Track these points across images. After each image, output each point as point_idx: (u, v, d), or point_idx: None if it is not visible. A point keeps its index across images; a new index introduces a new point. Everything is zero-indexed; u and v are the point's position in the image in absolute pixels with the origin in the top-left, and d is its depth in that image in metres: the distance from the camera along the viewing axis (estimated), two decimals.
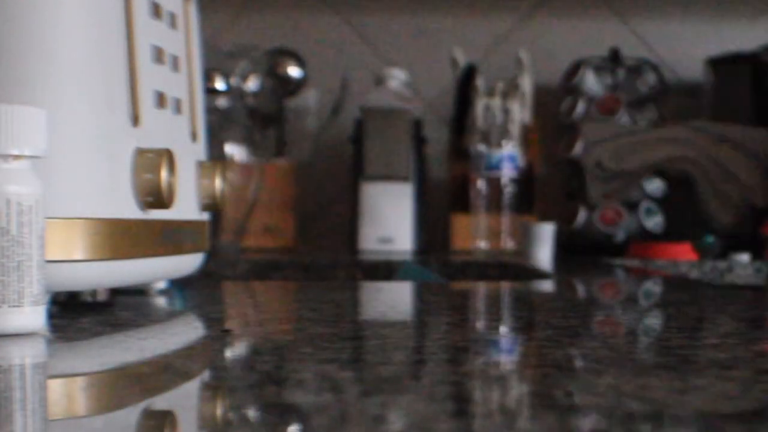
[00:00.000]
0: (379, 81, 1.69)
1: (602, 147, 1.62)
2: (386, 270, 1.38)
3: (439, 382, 0.42)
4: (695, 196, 1.71)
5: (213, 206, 0.77)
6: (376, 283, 1.33)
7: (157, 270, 0.70)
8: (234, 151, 1.62)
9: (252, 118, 1.62)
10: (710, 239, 1.50)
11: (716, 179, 1.60)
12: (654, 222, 1.62)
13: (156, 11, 0.70)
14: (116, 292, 0.71)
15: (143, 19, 0.68)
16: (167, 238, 0.69)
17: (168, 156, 0.65)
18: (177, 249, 0.71)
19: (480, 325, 0.64)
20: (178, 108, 0.73)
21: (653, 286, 0.94)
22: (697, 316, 0.69)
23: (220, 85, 1.59)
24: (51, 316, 0.56)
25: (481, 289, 0.95)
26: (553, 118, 1.73)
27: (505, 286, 0.97)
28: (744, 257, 1.44)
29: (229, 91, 1.60)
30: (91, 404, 0.38)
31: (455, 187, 1.69)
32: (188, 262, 0.75)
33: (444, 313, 0.72)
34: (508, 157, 1.61)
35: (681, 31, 1.86)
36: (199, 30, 0.80)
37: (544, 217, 1.58)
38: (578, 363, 0.47)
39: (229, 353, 0.50)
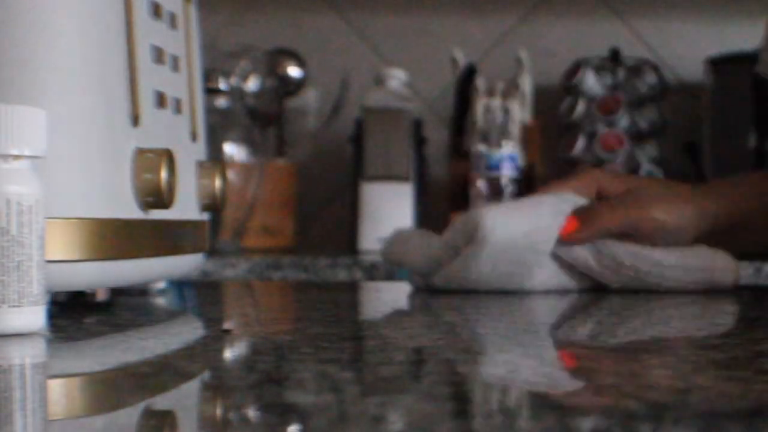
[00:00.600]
0: (379, 81, 1.69)
1: None
2: (386, 270, 1.38)
3: (439, 382, 0.42)
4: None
5: (213, 206, 0.77)
6: (376, 283, 1.33)
7: (157, 270, 0.70)
8: (234, 151, 1.62)
9: (252, 118, 1.62)
10: None
11: None
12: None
13: (156, 11, 0.70)
14: (116, 292, 0.71)
15: (143, 19, 0.68)
16: (167, 238, 0.69)
17: (168, 156, 0.65)
18: (177, 249, 0.71)
19: (480, 325, 0.64)
20: (178, 108, 0.73)
21: None
22: (697, 314, 0.69)
23: (220, 85, 1.59)
24: (51, 316, 0.56)
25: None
26: (553, 118, 1.73)
27: None
28: None
29: (229, 91, 1.60)
30: (91, 404, 0.38)
31: (455, 187, 1.69)
32: (188, 262, 0.75)
33: (444, 313, 0.72)
34: (508, 157, 1.61)
35: (681, 31, 1.86)
36: (199, 30, 0.80)
37: None
38: (578, 363, 0.47)
39: (229, 353, 0.50)
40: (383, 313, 0.76)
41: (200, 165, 0.76)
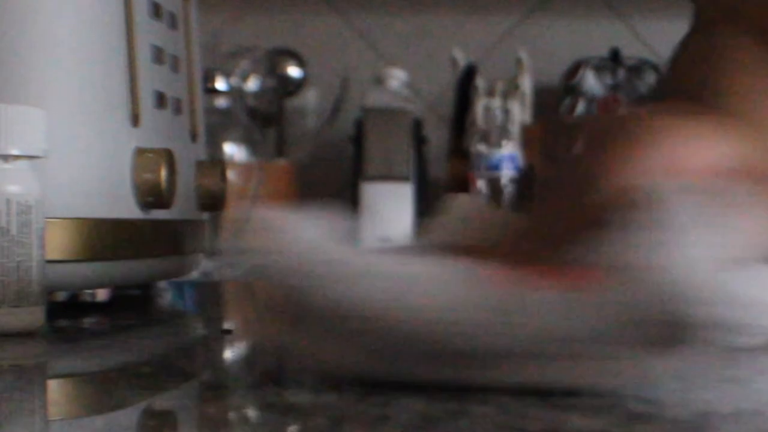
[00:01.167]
0: (379, 81, 1.69)
1: None
2: None
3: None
4: None
5: (213, 206, 0.77)
6: None
7: (157, 270, 0.70)
8: (234, 151, 1.62)
9: (252, 118, 1.62)
10: None
11: None
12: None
13: (156, 11, 0.70)
14: (116, 292, 0.71)
15: (143, 19, 0.68)
16: (167, 238, 0.69)
17: (168, 156, 0.65)
18: (177, 249, 0.71)
19: None
20: (178, 108, 0.73)
21: None
22: None
23: (220, 85, 1.59)
24: (51, 316, 0.56)
25: None
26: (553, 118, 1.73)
27: None
28: None
29: (229, 91, 1.60)
30: (91, 404, 0.38)
31: (455, 187, 1.69)
32: (188, 262, 0.75)
33: None
34: (508, 157, 1.61)
35: (681, 31, 1.86)
36: (199, 30, 0.80)
37: None
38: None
39: (229, 353, 0.50)
40: None
41: (200, 165, 0.76)
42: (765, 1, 0.55)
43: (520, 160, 1.62)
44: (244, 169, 1.60)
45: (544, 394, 0.36)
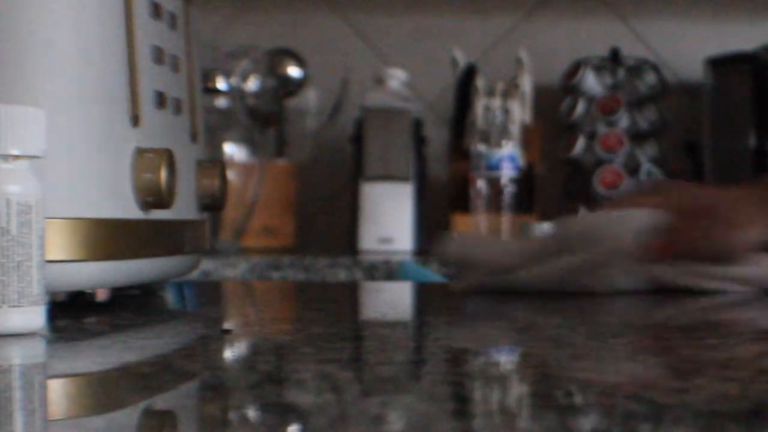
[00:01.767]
0: (379, 81, 1.69)
1: None
2: (386, 270, 1.38)
3: (439, 382, 0.42)
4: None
5: (213, 206, 0.77)
6: (376, 283, 1.33)
7: (157, 270, 0.70)
8: (234, 151, 1.62)
9: (252, 118, 1.62)
10: None
11: None
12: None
13: (156, 11, 0.70)
14: (116, 292, 0.71)
15: (143, 19, 0.68)
16: (167, 238, 0.69)
17: (168, 156, 0.65)
18: (177, 249, 0.71)
19: (480, 325, 0.64)
20: (178, 108, 0.73)
21: None
22: (696, 314, 0.69)
23: (220, 85, 1.59)
24: (51, 316, 0.56)
25: None
26: (553, 118, 1.73)
27: None
28: None
29: (229, 91, 1.60)
30: (91, 404, 0.38)
31: (455, 187, 1.69)
32: (188, 262, 0.75)
33: (444, 313, 0.72)
34: (508, 157, 1.61)
35: (681, 31, 1.86)
36: (199, 30, 0.80)
37: (544, 217, 1.58)
38: (578, 363, 0.47)
39: (229, 353, 0.50)
40: (383, 313, 0.76)
41: (200, 165, 0.76)
42: None
43: (520, 160, 1.62)
44: (244, 169, 1.60)
45: (544, 392, 0.36)
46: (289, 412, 0.35)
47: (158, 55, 0.69)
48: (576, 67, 1.71)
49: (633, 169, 1.66)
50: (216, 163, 0.77)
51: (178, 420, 0.35)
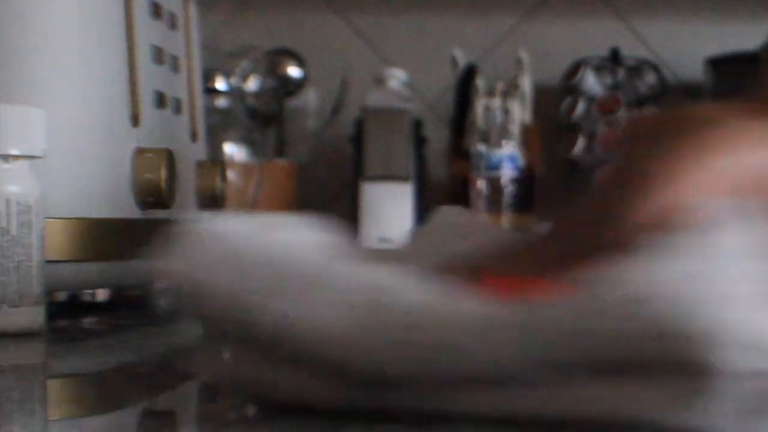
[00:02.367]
0: (379, 81, 1.69)
1: None
2: None
3: None
4: None
5: (213, 206, 0.77)
6: None
7: None
8: (234, 151, 1.62)
9: (252, 118, 1.62)
10: None
11: None
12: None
13: (156, 11, 0.70)
14: (116, 292, 0.71)
15: (143, 19, 0.68)
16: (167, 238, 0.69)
17: (168, 156, 0.65)
18: None
19: None
20: (178, 108, 0.73)
21: None
22: None
23: (220, 85, 1.59)
24: (51, 316, 0.56)
25: None
26: (553, 118, 1.73)
27: None
28: None
29: (229, 91, 1.60)
30: (91, 404, 0.38)
31: (455, 187, 1.69)
32: None
33: None
34: (508, 157, 1.61)
35: (681, 31, 1.86)
36: (199, 30, 0.80)
37: (544, 217, 1.58)
38: None
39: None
40: None
41: (200, 165, 0.76)
42: None
43: (520, 160, 1.62)
44: (244, 169, 1.60)
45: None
46: (289, 412, 0.35)
47: (158, 55, 0.69)
48: (576, 67, 1.71)
49: None
50: (216, 163, 0.77)
51: (178, 420, 0.35)
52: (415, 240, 0.43)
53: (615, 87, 1.70)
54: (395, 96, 1.66)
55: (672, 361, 0.29)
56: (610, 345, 0.29)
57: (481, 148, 1.61)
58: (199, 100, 0.78)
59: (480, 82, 1.63)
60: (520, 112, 1.62)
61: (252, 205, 1.58)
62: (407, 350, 0.30)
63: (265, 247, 0.33)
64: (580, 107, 1.69)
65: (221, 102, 1.60)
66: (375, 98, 1.66)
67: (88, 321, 0.60)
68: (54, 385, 0.42)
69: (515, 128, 1.62)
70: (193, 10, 0.79)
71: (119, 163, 0.64)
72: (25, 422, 0.33)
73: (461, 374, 0.30)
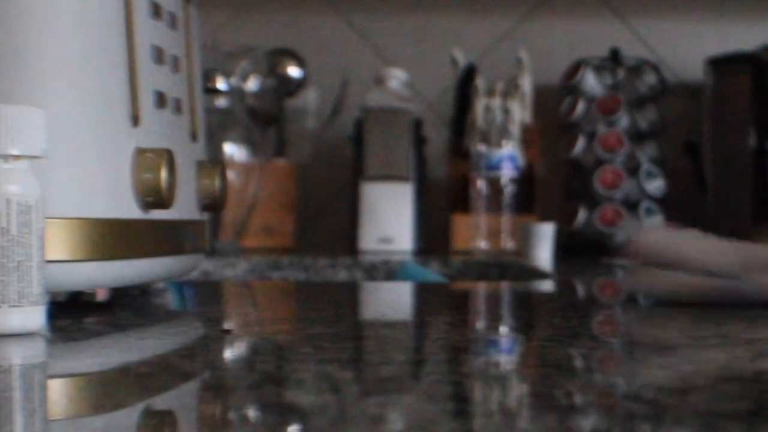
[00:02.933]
0: (379, 81, 1.69)
1: None
2: (386, 270, 1.38)
3: (439, 382, 0.42)
4: (697, 195, 1.72)
5: (213, 206, 0.77)
6: (376, 283, 1.33)
7: (157, 270, 0.70)
8: (234, 151, 1.62)
9: (252, 118, 1.62)
10: None
11: None
12: (654, 222, 1.62)
13: (156, 11, 0.70)
14: (116, 292, 0.71)
15: (143, 19, 0.68)
16: (167, 238, 0.69)
17: (168, 156, 0.65)
18: (177, 249, 0.71)
19: (480, 325, 0.64)
20: (178, 108, 0.73)
21: None
22: (696, 316, 0.69)
23: (220, 85, 1.59)
24: (51, 316, 0.56)
25: (481, 289, 0.95)
26: (553, 118, 1.73)
27: (505, 286, 0.97)
28: None
29: (229, 91, 1.60)
30: (91, 404, 0.38)
31: (455, 187, 1.69)
32: (188, 262, 0.75)
33: (444, 313, 0.72)
34: (508, 157, 1.61)
35: (681, 31, 1.86)
36: (199, 30, 0.80)
37: (544, 217, 1.58)
38: (578, 363, 0.47)
39: (229, 353, 0.50)
40: (383, 313, 0.76)
41: (200, 165, 0.76)
42: None
43: (520, 160, 1.62)
44: (244, 169, 1.60)
45: (544, 393, 0.36)
46: (289, 412, 0.35)
47: (158, 55, 0.69)
48: (576, 67, 1.71)
49: (633, 169, 1.66)
50: (216, 163, 0.77)
51: (178, 420, 0.35)
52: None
53: (615, 87, 1.70)
54: (395, 96, 1.66)
55: None
56: None
57: (481, 148, 1.61)
58: (199, 100, 0.78)
59: (480, 82, 1.63)
60: (520, 112, 1.62)
61: (252, 205, 1.58)
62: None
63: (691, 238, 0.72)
64: (580, 107, 1.69)
65: (221, 102, 1.60)
66: (375, 98, 1.66)
67: (88, 321, 0.60)
68: (54, 385, 0.42)
69: (515, 128, 1.62)
70: (193, 10, 0.79)
71: (119, 163, 0.64)
72: (25, 422, 0.33)
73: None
